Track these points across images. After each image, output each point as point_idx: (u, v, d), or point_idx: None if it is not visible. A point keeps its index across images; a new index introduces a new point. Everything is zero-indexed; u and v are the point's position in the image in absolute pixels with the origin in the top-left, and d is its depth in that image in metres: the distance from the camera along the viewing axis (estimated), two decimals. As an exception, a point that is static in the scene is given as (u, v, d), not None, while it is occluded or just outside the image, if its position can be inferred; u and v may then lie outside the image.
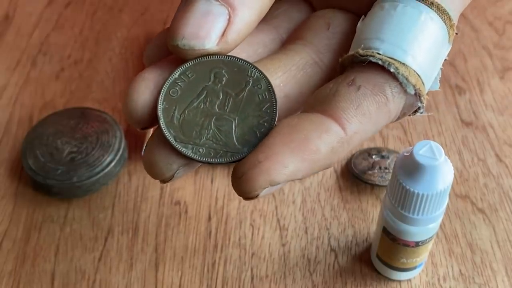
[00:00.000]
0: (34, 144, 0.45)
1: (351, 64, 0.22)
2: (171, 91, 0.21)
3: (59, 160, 0.43)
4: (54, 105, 0.50)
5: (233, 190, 0.47)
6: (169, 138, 0.21)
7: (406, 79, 0.21)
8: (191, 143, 0.21)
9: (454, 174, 0.40)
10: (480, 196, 0.44)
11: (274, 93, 0.21)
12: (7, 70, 0.53)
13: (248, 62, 0.22)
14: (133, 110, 0.21)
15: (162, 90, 0.21)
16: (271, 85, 0.21)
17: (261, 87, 0.21)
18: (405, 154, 0.33)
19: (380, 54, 0.21)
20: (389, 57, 0.21)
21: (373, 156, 0.45)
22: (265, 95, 0.21)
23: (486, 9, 0.58)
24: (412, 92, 0.21)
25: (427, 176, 0.32)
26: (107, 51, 0.55)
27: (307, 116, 0.20)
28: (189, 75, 0.21)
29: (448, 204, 0.41)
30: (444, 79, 0.51)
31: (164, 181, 0.21)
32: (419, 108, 0.22)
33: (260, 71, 0.21)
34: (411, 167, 0.32)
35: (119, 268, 0.40)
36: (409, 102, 0.21)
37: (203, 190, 0.44)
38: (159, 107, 0.21)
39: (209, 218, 0.43)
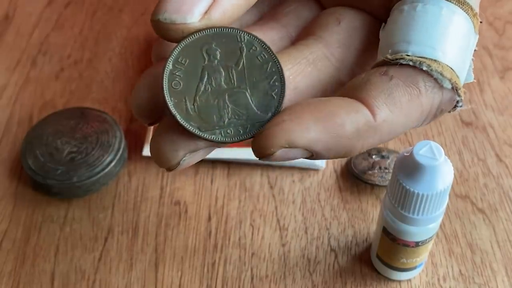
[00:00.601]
0: (34, 144, 0.45)
1: None
2: (172, 83, 0.21)
3: (59, 160, 0.43)
4: (54, 105, 0.50)
5: (233, 190, 0.48)
6: (194, 131, 0.20)
7: (441, 74, 0.20)
8: (217, 127, 0.20)
9: (454, 174, 0.40)
10: (480, 196, 0.44)
11: (271, 50, 0.21)
12: (7, 70, 0.53)
13: (233, 28, 0.21)
14: (140, 107, 0.21)
15: (164, 86, 0.21)
16: (265, 43, 0.21)
17: (256, 48, 0.21)
18: (405, 154, 0.33)
19: (409, 55, 0.21)
20: (420, 57, 0.21)
21: (373, 156, 0.45)
22: (264, 55, 0.21)
23: (486, 9, 0.58)
24: (449, 86, 0.21)
25: (427, 176, 0.32)
26: (107, 51, 0.55)
27: (337, 98, 0.20)
28: (182, 62, 0.21)
29: (448, 204, 0.41)
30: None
31: (169, 169, 0.21)
32: (457, 103, 0.22)
33: (249, 33, 0.21)
34: (411, 167, 0.32)
35: (119, 268, 0.40)
36: (446, 97, 0.21)
37: (203, 190, 0.44)
38: (169, 105, 0.20)
39: (209, 218, 0.43)
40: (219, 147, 0.22)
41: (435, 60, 0.21)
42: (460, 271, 0.40)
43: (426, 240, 0.36)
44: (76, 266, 0.40)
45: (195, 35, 0.20)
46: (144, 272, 0.40)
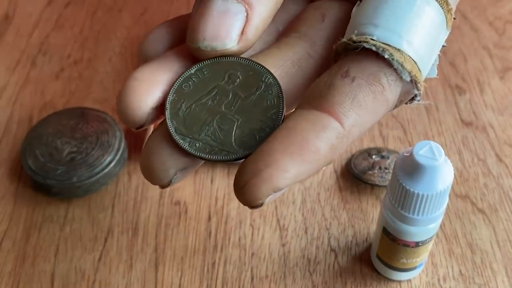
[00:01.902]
0: (34, 144, 0.45)
1: (345, 51, 0.21)
2: (183, 85, 0.21)
3: (59, 160, 0.43)
4: (54, 105, 0.50)
5: (233, 190, 0.47)
6: (170, 129, 0.21)
7: (401, 65, 0.20)
8: (190, 136, 0.21)
9: (454, 174, 0.40)
10: (480, 196, 0.44)
11: (283, 101, 0.21)
12: (7, 70, 0.53)
13: (265, 68, 0.22)
14: (127, 110, 0.21)
15: (175, 83, 0.21)
16: (281, 92, 0.21)
17: (272, 92, 0.21)
18: (405, 154, 0.33)
19: (374, 40, 0.20)
20: (384, 43, 0.20)
21: (373, 156, 0.45)
22: (274, 101, 0.21)
23: (486, 9, 0.58)
24: (408, 79, 0.20)
25: (427, 176, 0.32)
26: (107, 51, 0.55)
27: (303, 115, 0.20)
28: (204, 73, 0.21)
29: (448, 204, 0.41)
30: (444, 79, 0.51)
31: (162, 186, 0.21)
32: (415, 95, 0.22)
33: (274, 78, 0.21)
34: (411, 167, 0.32)
35: (119, 268, 0.40)
36: (405, 89, 0.21)
37: (203, 190, 0.44)
38: (168, 99, 0.21)
39: (209, 218, 0.43)
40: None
41: (398, 50, 0.20)
42: (460, 271, 0.40)
43: (426, 240, 0.36)
44: (76, 266, 0.40)
45: (230, 58, 0.21)
46: (144, 272, 0.40)
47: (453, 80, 0.51)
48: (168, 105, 0.21)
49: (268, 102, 0.21)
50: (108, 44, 0.55)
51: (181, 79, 0.21)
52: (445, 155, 0.32)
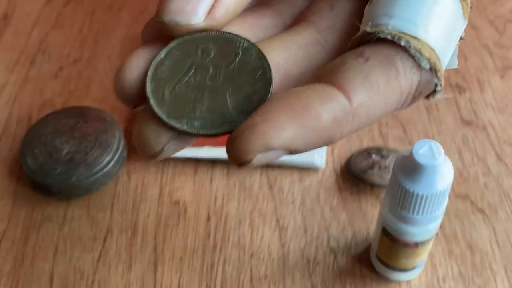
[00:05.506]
0: (33, 144, 0.44)
1: (360, 44, 0.21)
2: (158, 71, 0.20)
3: (58, 159, 0.43)
4: (53, 104, 0.50)
5: (233, 190, 0.47)
6: (161, 117, 0.20)
7: (419, 52, 0.20)
8: (186, 118, 0.20)
9: (454, 174, 0.40)
10: (480, 196, 0.43)
11: (266, 59, 0.20)
12: (6, 69, 0.53)
13: (236, 35, 0.21)
14: (123, 88, 0.20)
15: (149, 71, 0.20)
16: (261, 53, 0.20)
17: (252, 55, 0.20)
18: (404, 153, 0.32)
19: (389, 29, 0.20)
20: (399, 32, 0.20)
21: (373, 156, 0.45)
22: (257, 63, 0.20)
23: (486, 8, 0.57)
24: (427, 66, 0.20)
25: (427, 176, 0.32)
26: (106, 50, 0.54)
27: (310, 84, 0.19)
28: (175, 54, 0.21)
29: (448, 204, 0.40)
30: (444, 78, 0.51)
31: (153, 156, 0.20)
32: (436, 86, 0.21)
33: (249, 41, 0.21)
34: (410, 167, 0.32)
35: (118, 268, 0.40)
36: (424, 79, 0.20)
37: (202, 190, 0.44)
38: (147, 89, 0.20)
39: (208, 218, 0.43)
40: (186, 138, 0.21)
41: (415, 37, 0.20)
42: (459, 271, 0.40)
43: (426, 240, 0.36)
44: (75, 266, 0.40)
45: (198, 34, 0.20)
46: (143, 272, 0.40)
47: (453, 79, 0.51)
48: (149, 95, 0.20)
49: (251, 65, 0.20)
50: (107, 43, 0.55)
51: (153, 66, 0.20)
52: (445, 154, 0.32)
